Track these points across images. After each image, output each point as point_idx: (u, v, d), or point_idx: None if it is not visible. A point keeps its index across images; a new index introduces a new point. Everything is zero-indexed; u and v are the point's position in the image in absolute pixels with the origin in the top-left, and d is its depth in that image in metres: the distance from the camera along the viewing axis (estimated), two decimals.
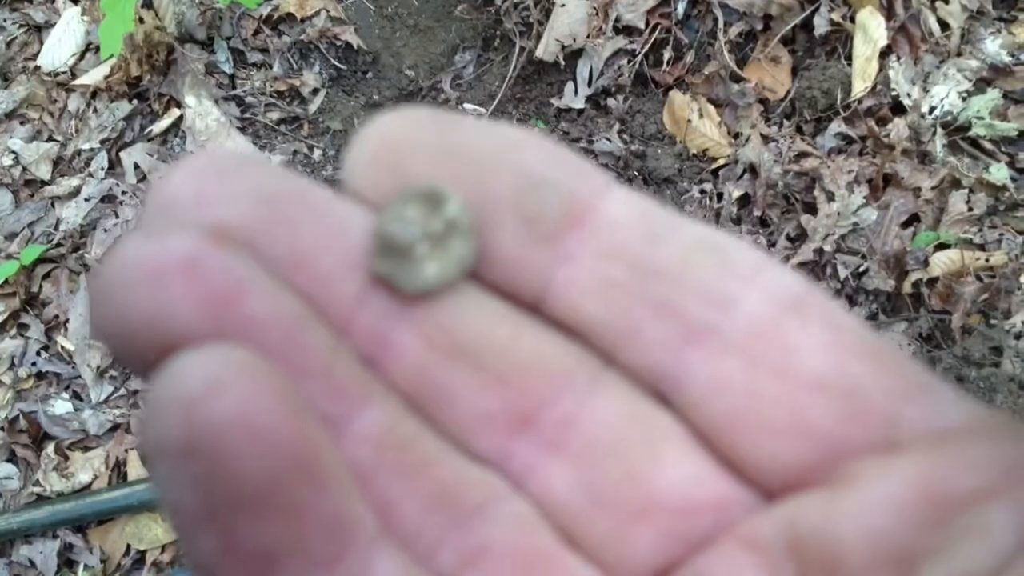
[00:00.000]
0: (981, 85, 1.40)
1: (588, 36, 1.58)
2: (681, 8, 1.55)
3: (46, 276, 1.51)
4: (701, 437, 0.20)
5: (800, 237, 1.37)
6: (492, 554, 0.19)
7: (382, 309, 0.20)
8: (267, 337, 0.18)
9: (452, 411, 0.20)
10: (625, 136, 1.54)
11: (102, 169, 1.55)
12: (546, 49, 1.59)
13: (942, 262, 1.28)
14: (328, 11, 1.65)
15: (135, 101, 1.60)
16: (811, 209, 1.37)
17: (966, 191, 1.32)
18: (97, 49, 1.61)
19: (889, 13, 1.44)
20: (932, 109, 1.39)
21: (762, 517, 0.19)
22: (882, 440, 0.18)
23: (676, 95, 1.54)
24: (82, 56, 1.65)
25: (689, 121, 1.50)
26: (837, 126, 1.43)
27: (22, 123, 1.61)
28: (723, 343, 0.19)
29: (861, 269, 1.31)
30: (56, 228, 1.52)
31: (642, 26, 1.57)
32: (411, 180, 0.20)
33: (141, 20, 1.54)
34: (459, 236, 0.20)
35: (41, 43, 1.66)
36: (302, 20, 1.64)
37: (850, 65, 1.44)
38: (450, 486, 0.20)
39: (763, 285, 0.20)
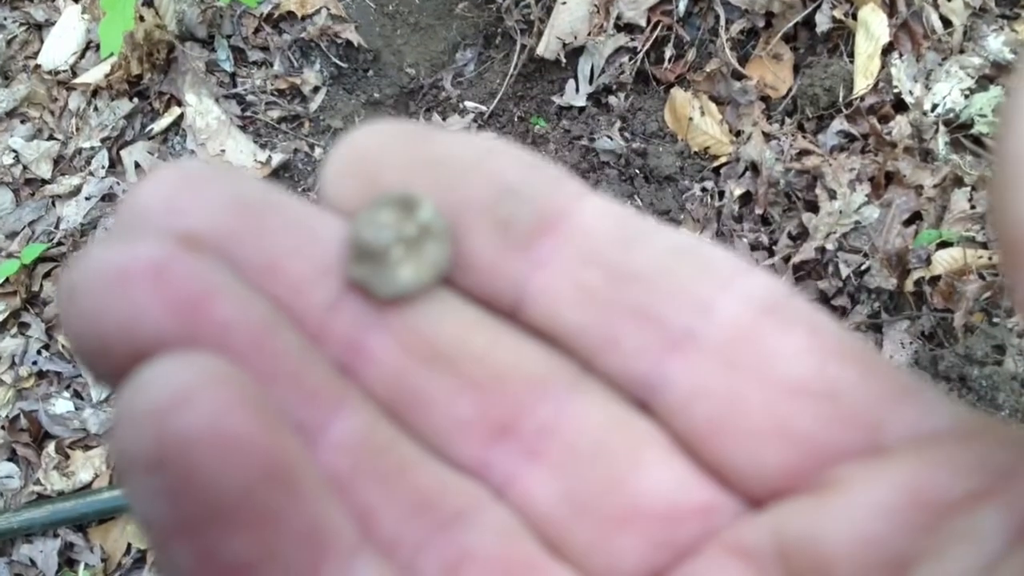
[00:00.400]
0: (984, 82, 1.39)
1: (589, 34, 1.57)
2: (682, 5, 1.55)
3: (47, 275, 1.51)
4: (683, 444, 0.20)
5: (802, 235, 1.36)
6: (474, 562, 0.19)
7: (356, 315, 0.20)
8: (237, 342, 0.17)
9: (429, 418, 0.20)
10: (626, 134, 1.54)
11: (103, 168, 1.55)
12: (547, 47, 1.59)
13: (944, 260, 1.28)
14: (329, 9, 1.65)
15: (136, 99, 1.60)
16: (813, 207, 1.37)
17: (968, 189, 1.31)
18: (98, 47, 1.60)
19: (891, 10, 1.44)
20: (934, 106, 1.38)
21: (749, 524, 0.19)
22: (867, 444, 0.18)
23: (677, 93, 1.54)
24: (83, 54, 1.64)
25: (690, 119, 1.50)
26: (839, 124, 1.42)
27: (23, 122, 1.61)
28: (702, 348, 0.19)
29: (863, 267, 1.30)
30: (57, 227, 1.52)
31: (643, 23, 1.56)
32: (385, 189, 0.20)
33: (142, 18, 1.54)
34: (433, 240, 0.20)
35: (42, 41, 1.66)
36: (303, 18, 1.64)
37: (852, 62, 1.44)
38: (429, 493, 0.19)
39: (741, 289, 0.19)
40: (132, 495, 0.16)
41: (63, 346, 1.45)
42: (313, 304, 0.19)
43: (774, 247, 1.38)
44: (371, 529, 0.19)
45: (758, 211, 1.41)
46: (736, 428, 0.19)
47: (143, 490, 0.15)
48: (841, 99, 1.42)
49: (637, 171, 1.48)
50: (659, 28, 1.56)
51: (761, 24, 1.52)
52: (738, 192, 1.43)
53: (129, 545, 1.32)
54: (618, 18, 1.57)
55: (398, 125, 0.20)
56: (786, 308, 0.19)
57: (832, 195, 1.35)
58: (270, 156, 1.53)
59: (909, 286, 1.28)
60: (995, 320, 1.24)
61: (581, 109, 1.59)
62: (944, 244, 1.29)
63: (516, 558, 0.19)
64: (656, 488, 0.20)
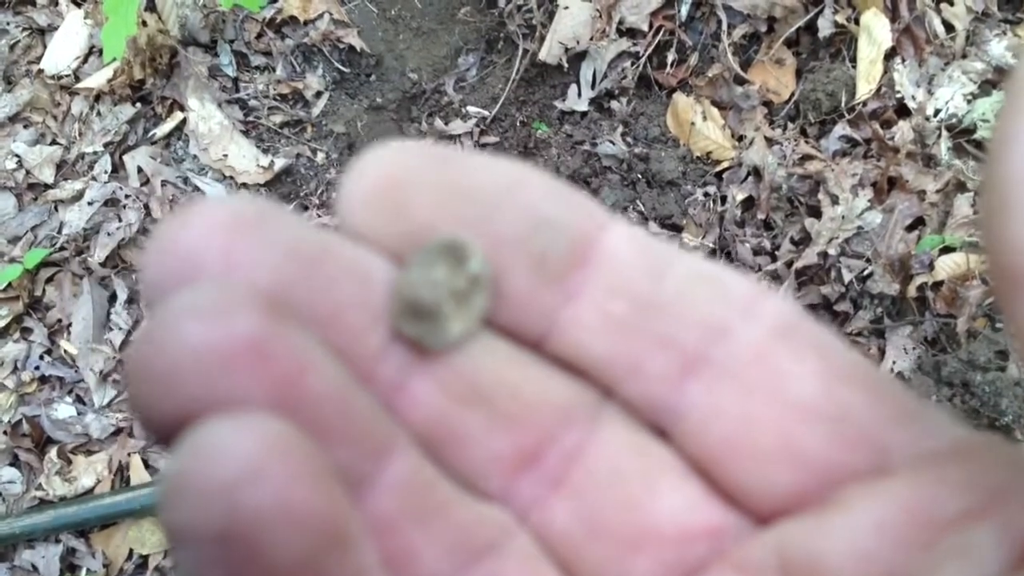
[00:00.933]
0: (986, 87, 1.39)
1: (591, 38, 1.57)
2: (685, 10, 1.55)
3: (49, 280, 1.51)
4: (697, 466, 0.21)
5: (804, 240, 1.36)
6: None
7: (402, 361, 0.20)
8: (325, 412, 0.17)
9: (464, 454, 0.21)
10: (628, 139, 1.53)
11: (105, 172, 1.55)
12: (549, 51, 1.59)
13: (947, 265, 1.27)
14: (331, 14, 1.65)
15: (138, 104, 1.60)
16: (815, 212, 1.37)
17: (971, 194, 1.31)
18: (100, 52, 1.60)
19: (894, 15, 1.44)
20: (937, 111, 1.38)
21: (753, 542, 0.20)
22: (872, 464, 0.19)
23: (680, 97, 1.54)
24: (85, 59, 1.65)
25: (693, 124, 1.50)
26: (841, 129, 1.42)
27: (25, 126, 1.61)
28: (718, 372, 0.20)
29: (866, 273, 1.30)
30: (59, 232, 1.52)
31: (645, 28, 1.56)
32: (414, 222, 0.20)
33: (144, 23, 1.54)
34: (480, 290, 0.20)
35: (44, 46, 1.66)
36: (305, 23, 1.64)
37: (854, 67, 1.44)
38: (466, 526, 0.20)
39: (758, 314, 0.20)
40: (186, 562, 0.15)
41: (65, 351, 1.45)
42: (363, 350, 0.19)
43: (776, 252, 1.38)
44: (412, 566, 0.19)
45: (760, 216, 1.41)
46: (748, 449, 0.20)
47: (201, 559, 0.15)
48: (843, 104, 1.42)
49: (639, 176, 1.48)
50: (661, 33, 1.56)
51: (763, 29, 1.52)
52: (740, 197, 1.43)
53: (131, 551, 1.32)
54: (620, 23, 1.57)
55: (420, 148, 0.20)
56: (799, 332, 0.20)
57: (834, 200, 1.35)
58: (272, 161, 1.53)
59: (912, 291, 1.28)
60: (998, 326, 1.24)
61: (583, 114, 1.58)
62: (947, 249, 1.29)
63: None
64: (669, 512, 0.20)
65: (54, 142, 1.60)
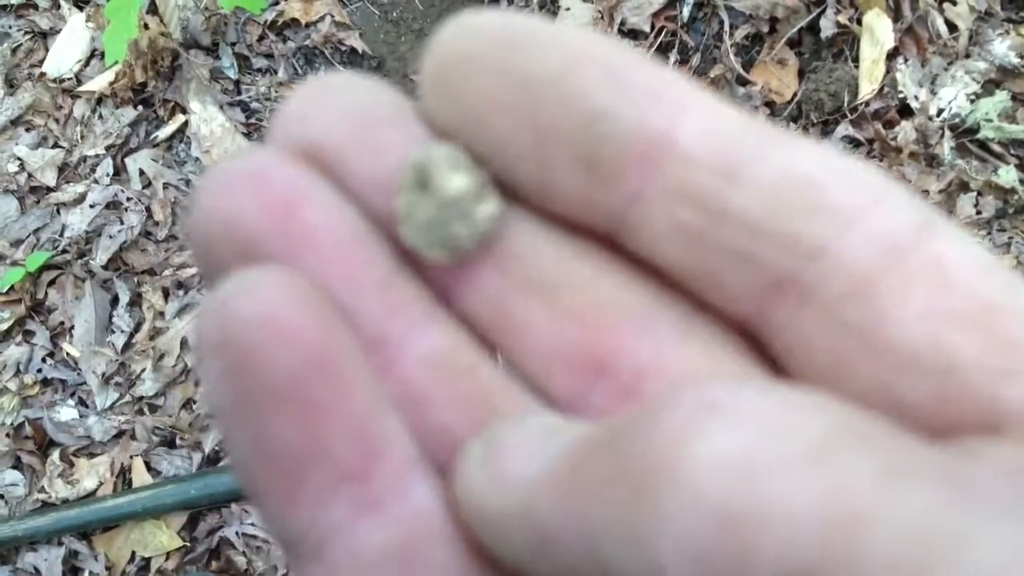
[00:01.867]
0: (989, 87, 1.38)
1: None
2: (687, 11, 1.55)
3: (51, 283, 1.51)
4: None
5: None
6: None
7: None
8: (324, 246, 0.18)
9: (525, 345, 0.19)
10: None
11: (107, 175, 1.56)
12: None
13: None
14: (333, 16, 1.65)
15: (140, 107, 1.60)
16: None
17: (974, 194, 1.31)
18: (102, 55, 1.61)
19: (896, 15, 1.43)
20: (940, 111, 1.38)
21: None
22: (980, 423, 0.16)
23: None
24: (87, 62, 1.65)
25: None
26: (844, 129, 1.42)
27: (27, 129, 1.61)
28: (809, 301, 0.17)
29: None
30: (61, 235, 1.52)
31: (647, 29, 1.56)
32: (467, 109, 0.19)
33: (146, 26, 1.55)
34: (480, 201, 0.19)
35: (47, 50, 1.67)
36: (307, 25, 1.64)
37: (857, 67, 1.43)
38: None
39: (863, 230, 0.17)
40: (204, 380, 0.17)
41: (67, 354, 1.45)
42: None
43: None
44: (449, 452, 0.19)
45: None
46: (839, 394, 0.17)
47: (210, 373, 0.17)
48: (846, 104, 1.42)
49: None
50: (663, 34, 1.56)
51: (765, 29, 1.51)
52: None
53: (133, 553, 1.32)
54: (622, 24, 1.57)
55: (493, 21, 0.18)
56: (914, 253, 0.17)
57: None
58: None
59: None
60: None
61: None
62: None
63: None
64: None
65: (56, 145, 1.60)
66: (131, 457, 1.37)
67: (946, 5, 1.43)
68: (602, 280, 0.19)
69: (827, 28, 1.45)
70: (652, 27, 1.56)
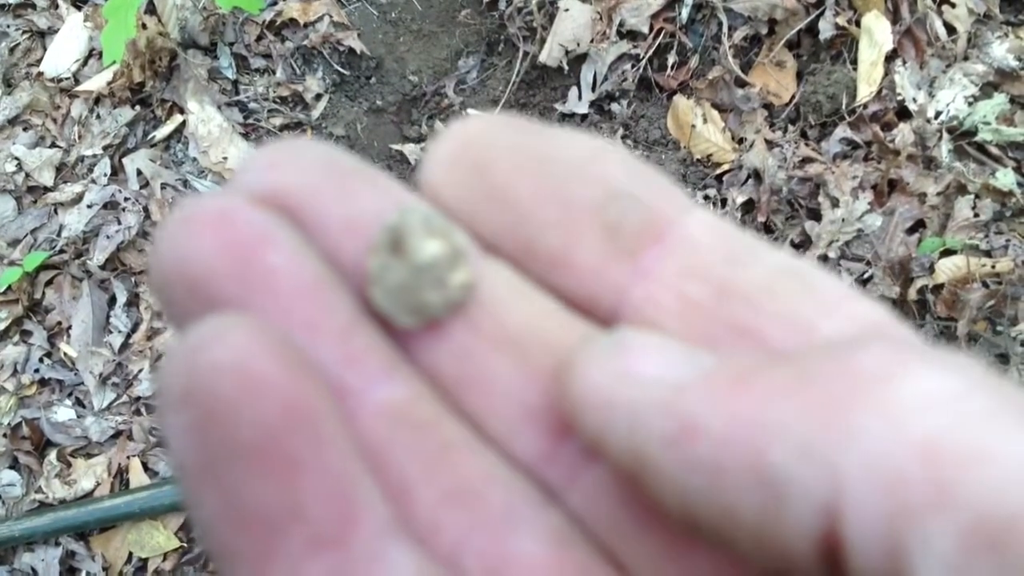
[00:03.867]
0: (988, 90, 1.38)
1: (592, 41, 1.57)
2: (685, 13, 1.55)
3: (49, 283, 1.51)
4: None
5: (804, 243, 1.36)
6: (521, 569, 0.18)
7: None
8: (284, 290, 0.18)
9: (490, 401, 0.19)
10: (629, 141, 1.53)
11: (105, 175, 1.55)
12: (550, 54, 1.58)
13: (948, 268, 1.27)
14: (331, 16, 1.65)
15: (138, 107, 1.60)
16: (815, 215, 1.37)
17: (972, 197, 1.31)
18: (100, 55, 1.61)
19: (895, 17, 1.43)
20: (938, 114, 1.38)
21: None
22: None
23: (680, 100, 1.53)
24: (85, 62, 1.65)
25: (693, 126, 1.50)
26: (842, 131, 1.42)
27: (25, 129, 1.61)
28: None
29: (866, 276, 1.30)
30: (59, 234, 1.52)
31: (646, 31, 1.56)
32: (491, 183, 0.20)
33: (144, 26, 1.54)
34: (457, 267, 0.19)
35: (44, 49, 1.67)
36: (305, 25, 1.64)
37: (855, 70, 1.43)
38: (474, 482, 0.19)
39: (844, 313, 0.19)
40: (168, 435, 0.16)
41: (65, 354, 1.45)
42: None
43: None
44: (407, 510, 0.18)
45: (761, 219, 1.41)
46: None
47: (175, 427, 0.16)
48: (844, 106, 1.42)
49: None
50: (662, 35, 1.56)
51: (764, 31, 1.51)
52: (741, 200, 1.42)
53: (130, 553, 1.32)
54: (621, 25, 1.56)
55: (505, 118, 0.20)
56: (887, 335, 0.19)
57: (835, 203, 1.34)
58: None
59: (912, 295, 1.28)
60: (999, 329, 1.24)
61: (584, 117, 1.58)
62: (947, 252, 1.28)
63: (568, 569, 0.18)
64: None
65: (54, 145, 1.60)
66: (128, 457, 1.37)
67: (945, 7, 1.43)
68: (573, 339, 0.20)
69: (826, 30, 1.45)
70: (651, 28, 1.56)
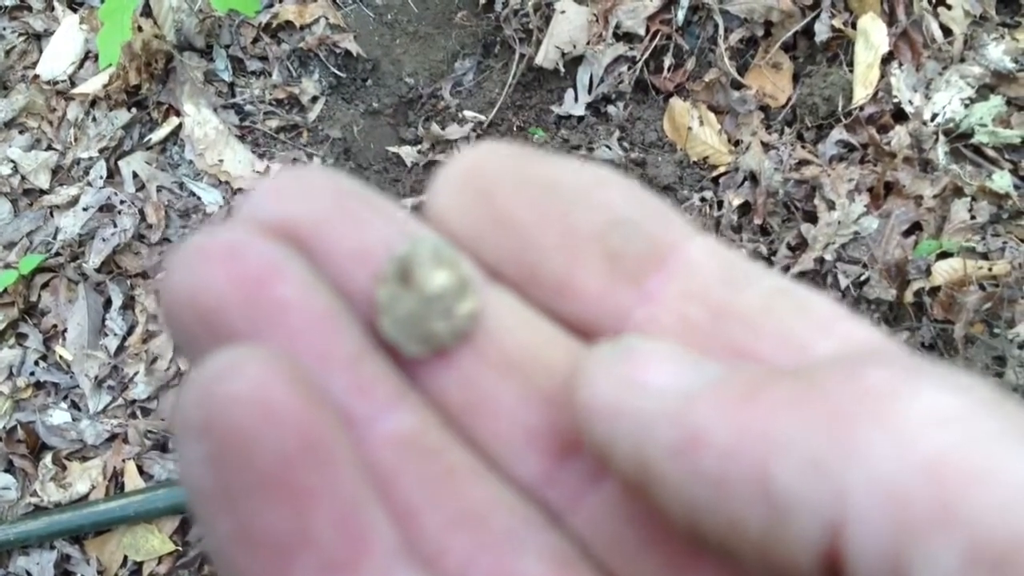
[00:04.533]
0: (984, 92, 1.38)
1: (588, 43, 1.57)
2: (681, 15, 1.54)
3: (44, 285, 1.50)
4: None
5: (801, 246, 1.36)
6: None
7: None
8: (294, 321, 0.18)
9: (495, 426, 0.20)
10: (625, 143, 1.53)
11: (100, 178, 1.55)
12: (546, 56, 1.58)
13: (944, 271, 1.27)
14: (327, 18, 1.65)
15: (134, 110, 1.59)
16: (812, 218, 1.36)
17: (968, 199, 1.31)
18: (96, 57, 1.61)
19: (891, 19, 1.43)
20: (934, 116, 1.37)
21: None
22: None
23: (676, 102, 1.53)
24: (81, 65, 1.65)
25: (689, 128, 1.49)
26: (838, 133, 1.42)
27: (21, 132, 1.61)
28: None
29: (862, 278, 1.30)
30: (55, 237, 1.52)
31: (642, 32, 1.56)
32: (495, 210, 0.20)
33: (140, 28, 1.54)
34: (464, 297, 0.20)
35: (40, 52, 1.66)
36: (301, 28, 1.64)
37: (851, 72, 1.43)
38: (478, 505, 0.19)
39: (839, 334, 0.19)
40: (183, 466, 0.17)
41: (60, 357, 1.45)
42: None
43: (773, 258, 1.37)
44: (414, 534, 0.18)
45: (757, 221, 1.41)
46: None
47: (192, 457, 0.16)
48: (840, 109, 1.42)
49: (636, 181, 1.48)
50: (658, 37, 1.56)
51: (760, 33, 1.51)
52: (737, 202, 1.42)
53: (125, 557, 1.32)
54: (617, 27, 1.56)
55: (510, 146, 0.21)
56: (882, 355, 0.19)
57: (831, 205, 1.34)
58: (268, 166, 1.53)
59: (909, 297, 1.28)
60: (996, 331, 1.23)
61: (580, 118, 1.58)
62: (944, 255, 1.28)
63: None
64: None
65: (49, 147, 1.60)
66: (124, 461, 1.37)
67: (941, 9, 1.43)
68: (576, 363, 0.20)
69: (822, 32, 1.45)
70: (647, 30, 1.56)
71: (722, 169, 1.47)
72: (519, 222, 0.20)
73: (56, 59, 1.64)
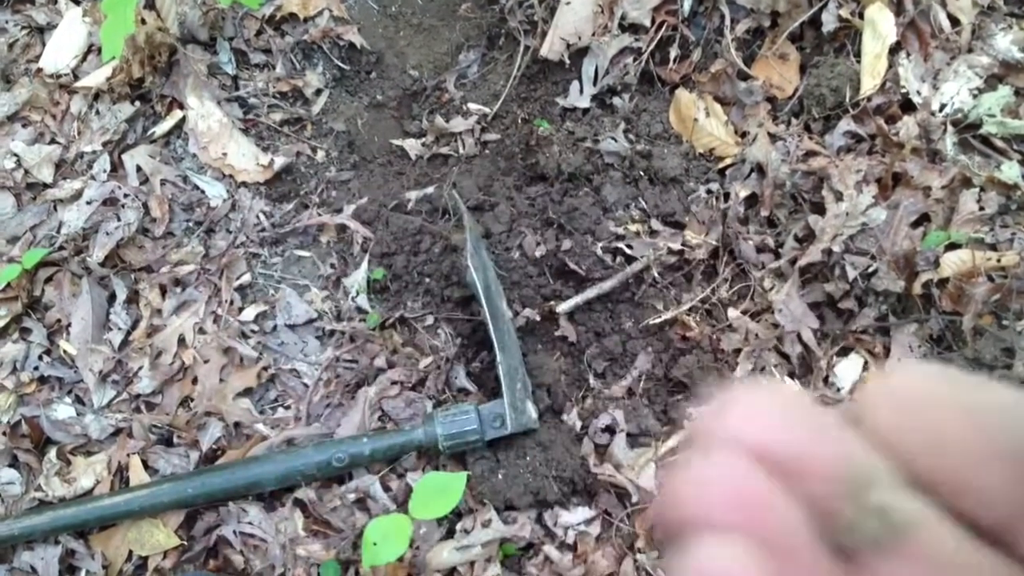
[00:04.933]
0: (992, 82, 1.37)
1: (593, 34, 1.56)
2: (687, 5, 1.54)
3: (48, 280, 1.50)
4: None
5: (808, 238, 1.35)
6: None
7: (871, 534, 0.24)
8: (772, 538, 0.22)
9: None
10: (631, 135, 1.52)
11: (104, 172, 1.55)
12: (551, 48, 1.57)
13: (953, 262, 1.26)
14: (331, 11, 1.64)
15: (137, 103, 1.59)
16: (819, 209, 1.36)
17: (977, 190, 1.30)
18: (99, 51, 1.60)
19: (898, 9, 1.42)
20: (942, 107, 1.37)
21: None
22: None
23: (682, 93, 1.52)
24: (84, 58, 1.64)
25: (696, 120, 1.49)
26: (846, 124, 1.41)
27: (24, 125, 1.61)
28: None
29: (870, 270, 1.29)
30: (58, 231, 1.51)
31: (648, 24, 1.55)
32: (928, 428, 0.23)
33: (143, 21, 1.54)
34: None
35: (43, 45, 1.66)
36: (305, 20, 1.63)
37: (859, 62, 1.42)
38: None
39: None
40: None
41: (64, 351, 1.45)
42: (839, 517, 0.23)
43: (780, 249, 1.37)
44: None
45: (764, 213, 1.40)
46: None
47: None
48: (848, 99, 1.41)
49: (642, 173, 1.47)
50: (664, 28, 1.55)
51: (767, 24, 1.50)
52: (744, 194, 1.41)
53: (130, 552, 1.32)
54: (622, 18, 1.55)
55: (941, 368, 0.24)
56: None
57: (839, 197, 1.33)
58: (272, 159, 1.52)
59: (917, 288, 1.27)
60: (1004, 323, 1.23)
61: (585, 110, 1.57)
62: (952, 246, 1.27)
63: None
64: None
65: (53, 141, 1.59)
66: (128, 455, 1.36)
67: None
68: (991, 568, 0.23)
69: (829, 22, 1.44)
70: (652, 21, 1.55)
71: (728, 160, 1.47)
72: (946, 439, 0.23)
73: (59, 52, 1.64)
